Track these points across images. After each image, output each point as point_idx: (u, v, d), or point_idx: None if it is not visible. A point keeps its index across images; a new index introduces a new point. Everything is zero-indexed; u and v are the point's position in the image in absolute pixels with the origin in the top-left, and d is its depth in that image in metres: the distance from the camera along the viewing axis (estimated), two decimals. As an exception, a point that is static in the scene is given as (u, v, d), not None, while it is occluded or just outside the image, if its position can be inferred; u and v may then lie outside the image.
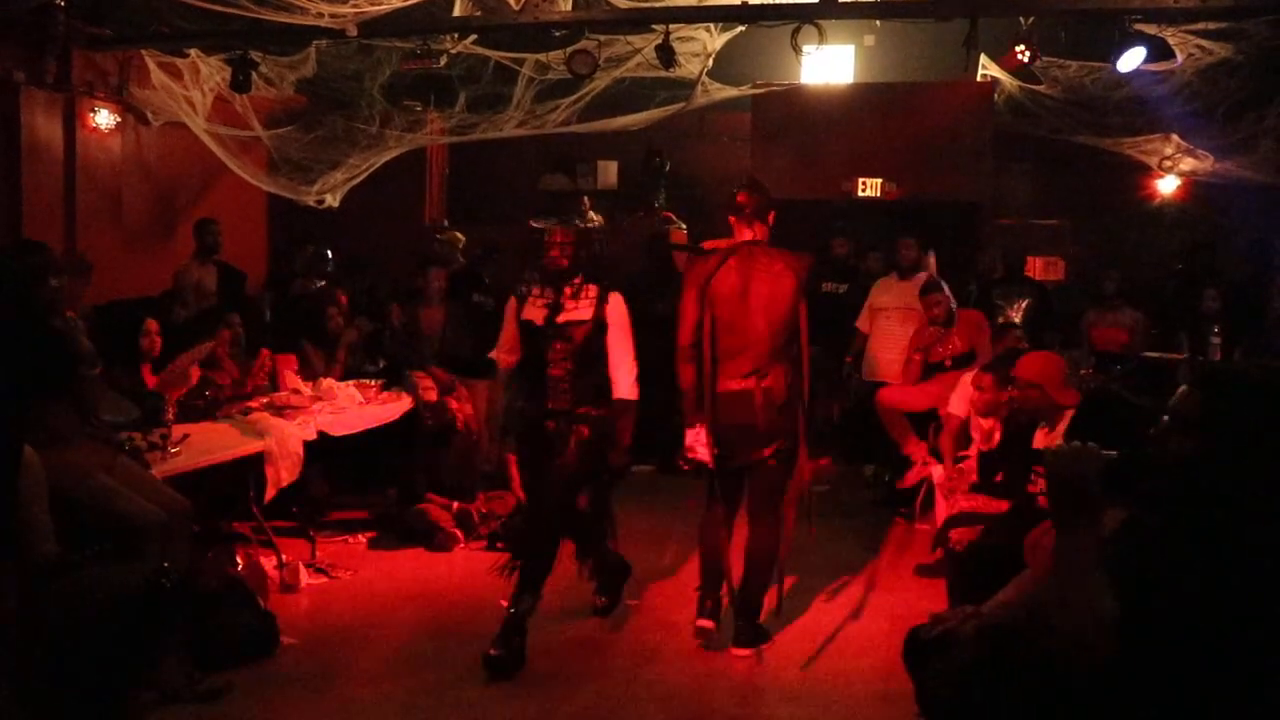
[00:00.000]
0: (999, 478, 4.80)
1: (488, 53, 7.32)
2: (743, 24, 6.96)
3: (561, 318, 4.34)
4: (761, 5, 6.67)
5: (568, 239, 4.39)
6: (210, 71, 7.31)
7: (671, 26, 6.82)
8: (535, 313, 4.39)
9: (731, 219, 4.33)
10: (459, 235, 8.90)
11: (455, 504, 5.96)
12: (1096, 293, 7.89)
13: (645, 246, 8.23)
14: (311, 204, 7.95)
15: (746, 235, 4.27)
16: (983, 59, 7.86)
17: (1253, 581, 1.70)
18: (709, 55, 7.26)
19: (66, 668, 3.07)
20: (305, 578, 5.11)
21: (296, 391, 5.63)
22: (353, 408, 5.69)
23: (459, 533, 5.75)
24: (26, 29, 6.79)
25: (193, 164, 8.11)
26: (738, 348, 4.16)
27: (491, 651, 4.05)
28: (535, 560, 4.26)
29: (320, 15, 6.19)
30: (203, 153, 7.72)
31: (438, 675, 4.09)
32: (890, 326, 6.95)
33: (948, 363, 6.27)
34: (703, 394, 4.19)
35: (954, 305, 6.42)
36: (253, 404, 5.44)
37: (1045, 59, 7.36)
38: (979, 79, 8.12)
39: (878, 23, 8.47)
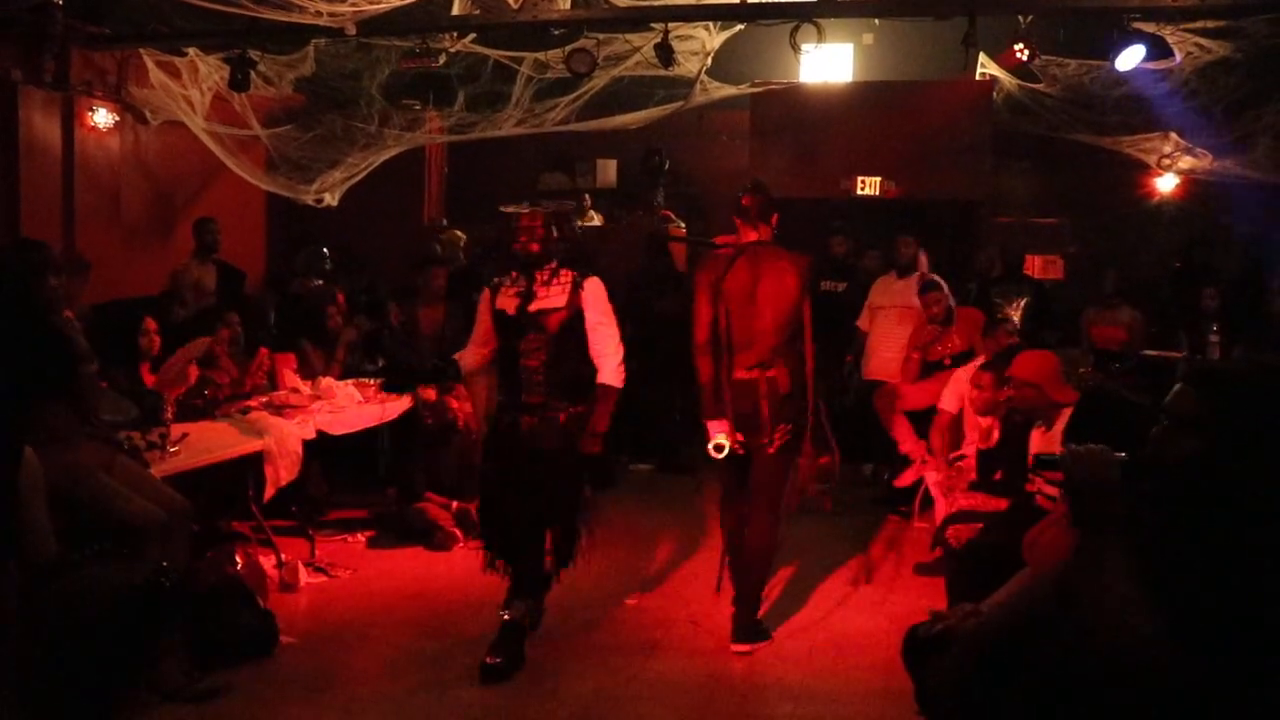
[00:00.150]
0: (998, 476, 4.81)
1: (486, 51, 7.32)
2: (741, 22, 6.96)
3: (534, 306, 4.16)
4: (760, 4, 6.67)
5: (536, 222, 4.18)
6: (209, 70, 7.30)
7: (670, 25, 6.81)
8: (507, 302, 4.22)
9: (737, 220, 4.45)
10: (459, 234, 8.90)
11: (454, 503, 5.96)
12: (1095, 291, 7.89)
13: (644, 245, 8.23)
14: (310, 203, 7.94)
15: (752, 236, 4.41)
16: (981, 57, 7.86)
17: (1254, 582, 1.70)
18: (708, 54, 7.25)
19: (66, 667, 3.07)
20: (304, 577, 5.11)
21: (295, 390, 5.63)
22: (352, 407, 5.69)
23: (458, 532, 5.75)
24: (24, 28, 6.78)
25: (191, 163, 8.10)
26: (746, 342, 4.30)
27: (488, 660, 4.03)
28: (520, 565, 4.20)
29: (319, 14, 6.17)
30: (201, 152, 7.71)
31: (437, 674, 4.10)
32: (889, 325, 6.97)
33: (947, 361, 6.27)
34: (720, 389, 4.29)
35: (953, 304, 6.43)
36: (252, 403, 5.44)
37: (1044, 57, 7.35)
38: (978, 77, 8.12)
39: (876, 21, 8.47)
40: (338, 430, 5.45)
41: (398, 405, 5.92)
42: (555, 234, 4.21)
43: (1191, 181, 9.18)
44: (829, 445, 4.44)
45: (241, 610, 4.22)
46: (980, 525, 4.40)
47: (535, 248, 4.18)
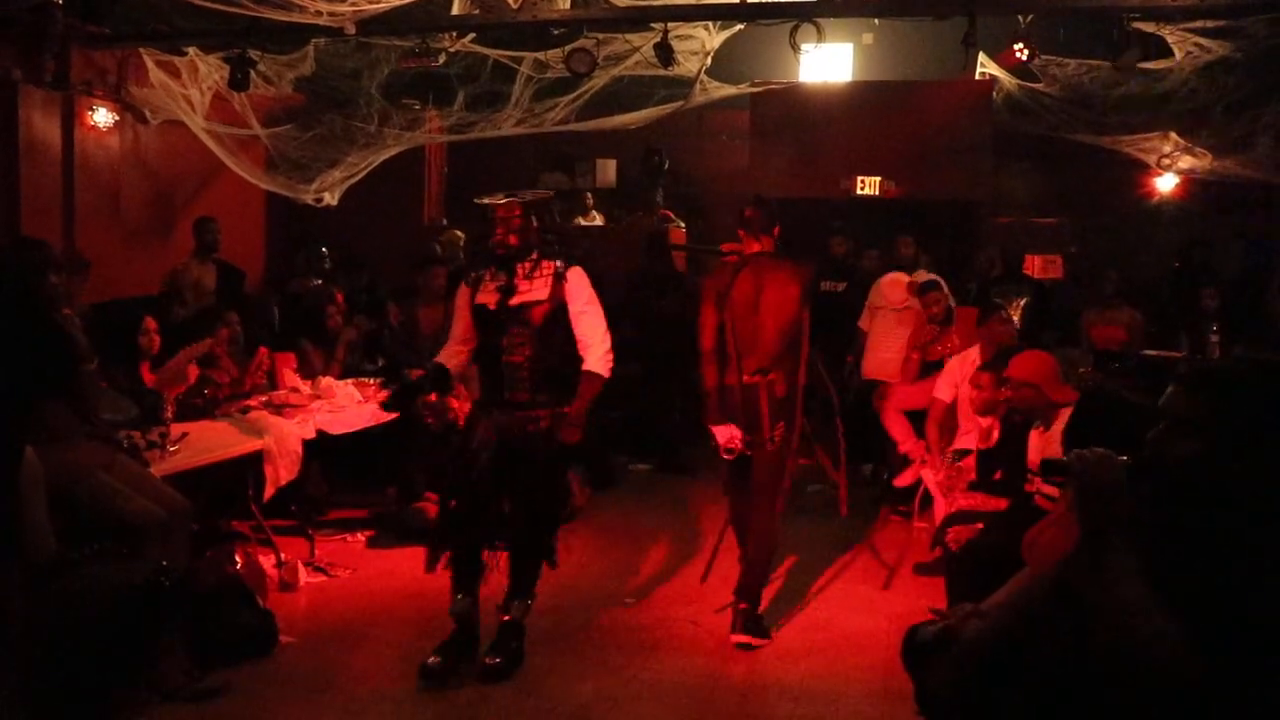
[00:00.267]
0: (997, 476, 4.81)
1: (486, 51, 7.32)
2: (741, 22, 6.96)
3: (515, 300, 4.02)
4: (760, 3, 6.68)
5: (513, 213, 4.03)
6: (208, 70, 7.30)
7: (670, 25, 6.82)
8: (488, 296, 4.07)
9: (741, 232, 4.62)
10: (459, 234, 8.90)
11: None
12: (1095, 291, 7.89)
13: (645, 245, 8.23)
14: (310, 202, 7.94)
15: (755, 247, 4.57)
16: (981, 57, 7.87)
17: (1254, 582, 1.70)
18: (707, 53, 7.26)
19: (66, 667, 3.07)
20: (304, 576, 5.11)
21: (295, 390, 5.63)
22: (351, 406, 5.69)
23: (458, 531, 5.73)
24: (25, 27, 6.78)
25: (191, 162, 8.10)
26: (750, 348, 4.46)
27: (488, 660, 4.03)
28: (518, 565, 4.12)
29: (319, 13, 6.18)
30: (201, 151, 7.71)
31: (437, 674, 4.09)
32: (887, 325, 6.97)
33: (946, 361, 6.27)
34: (724, 394, 4.45)
35: (952, 304, 6.43)
36: (251, 402, 5.44)
37: (1044, 57, 7.37)
38: (978, 77, 8.13)
39: (876, 21, 8.49)
40: (337, 430, 5.45)
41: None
42: (534, 223, 4.08)
43: (1191, 181, 9.19)
44: (811, 449, 4.70)
45: (241, 610, 4.22)
46: (980, 525, 4.40)
47: (514, 240, 4.04)
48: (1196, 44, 6.74)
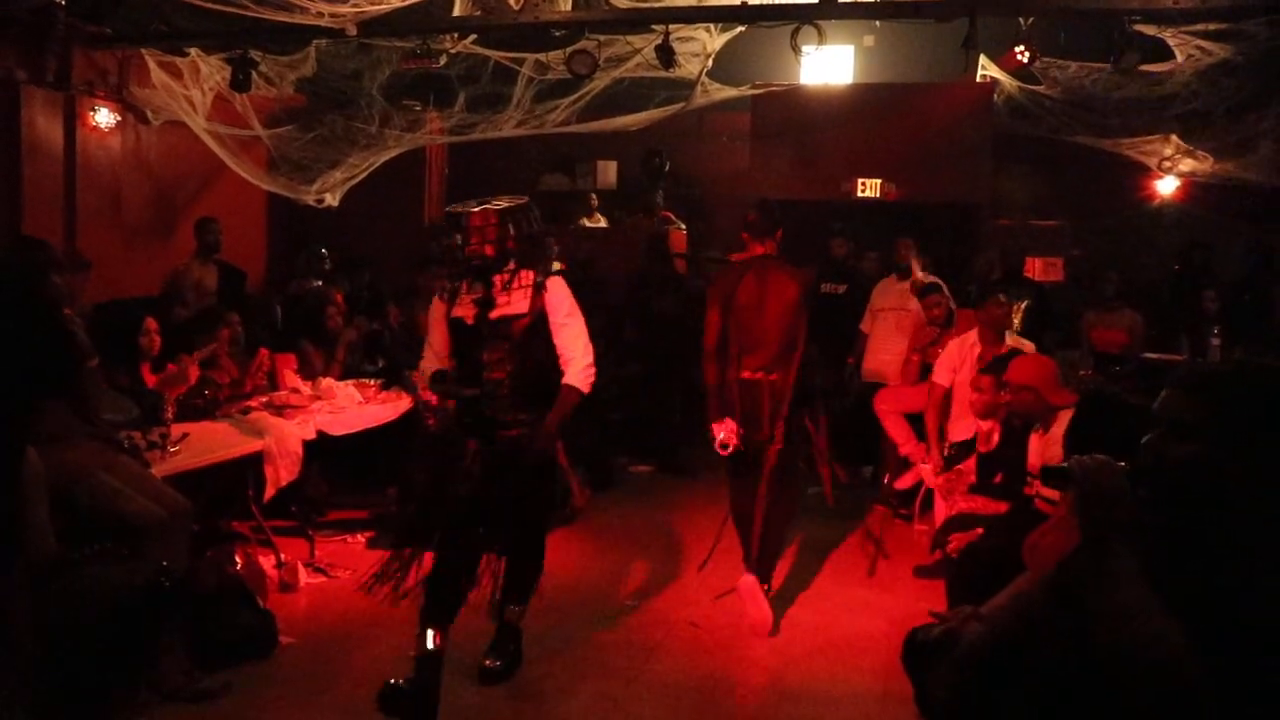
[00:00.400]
0: (998, 479, 4.82)
1: (487, 52, 7.32)
2: (742, 24, 6.96)
3: (495, 314, 3.85)
4: (761, 5, 6.67)
5: (489, 222, 3.84)
6: (210, 71, 7.30)
7: (671, 27, 6.81)
8: (465, 310, 3.90)
9: (745, 236, 4.83)
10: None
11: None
12: (1096, 294, 7.89)
13: (645, 246, 8.24)
14: (311, 203, 7.95)
15: (759, 250, 4.77)
16: (982, 60, 7.87)
17: (1254, 583, 1.70)
18: (708, 55, 7.26)
19: (66, 667, 3.07)
20: (304, 577, 5.12)
21: (296, 391, 5.64)
22: (352, 407, 5.69)
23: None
24: (27, 28, 6.79)
25: (192, 163, 8.10)
26: (753, 347, 4.67)
27: (487, 662, 4.04)
28: (515, 568, 4.06)
29: (320, 15, 6.18)
30: (202, 152, 7.71)
31: (437, 675, 4.09)
32: (887, 327, 6.97)
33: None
34: (725, 392, 4.65)
35: (953, 306, 6.43)
36: (252, 403, 5.44)
37: (1044, 59, 7.36)
38: (978, 80, 8.13)
39: (877, 23, 8.48)
40: (338, 430, 5.45)
41: (398, 405, 5.92)
42: (511, 232, 3.87)
43: (1192, 184, 9.19)
44: (806, 445, 4.88)
45: (241, 610, 4.23)
46: (980, 529, 4.40)
47: (490, 250, 3.85)
48: (1198, 47, 6.74)
